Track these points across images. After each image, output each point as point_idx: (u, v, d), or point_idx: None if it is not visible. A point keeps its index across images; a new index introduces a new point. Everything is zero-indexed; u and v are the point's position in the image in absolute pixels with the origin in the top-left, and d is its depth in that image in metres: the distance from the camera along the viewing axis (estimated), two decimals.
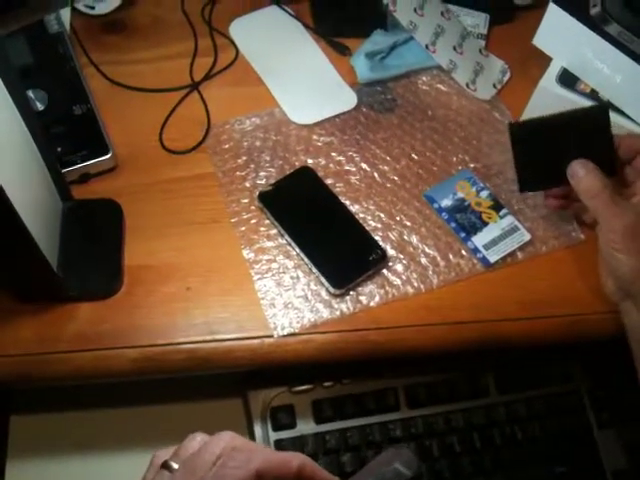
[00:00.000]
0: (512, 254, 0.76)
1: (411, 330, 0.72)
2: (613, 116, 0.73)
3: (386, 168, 0.81)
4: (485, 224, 0.77)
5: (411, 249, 0.76)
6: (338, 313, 0.71)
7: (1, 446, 0.77)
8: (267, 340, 0.70)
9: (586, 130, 0.70)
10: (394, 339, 0.72)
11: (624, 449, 0.82)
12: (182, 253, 0.74)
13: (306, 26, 0.91)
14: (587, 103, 0.77)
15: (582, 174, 0.69)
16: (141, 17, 0.92)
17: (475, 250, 0.75)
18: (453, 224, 0.77)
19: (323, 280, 0.72)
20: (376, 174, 0.80)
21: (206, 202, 0.78)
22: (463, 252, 0.76)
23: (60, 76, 0.81)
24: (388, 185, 0.80)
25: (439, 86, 0.87)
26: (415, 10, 0.84)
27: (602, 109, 0.71)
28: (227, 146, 0.81)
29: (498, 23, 0.93)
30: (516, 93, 0.86)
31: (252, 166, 0.80)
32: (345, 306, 0.72)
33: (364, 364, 0.76)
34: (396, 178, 0.80)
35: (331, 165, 0.80)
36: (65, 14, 0.87)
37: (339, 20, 0.92)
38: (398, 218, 0.77)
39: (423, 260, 0.75)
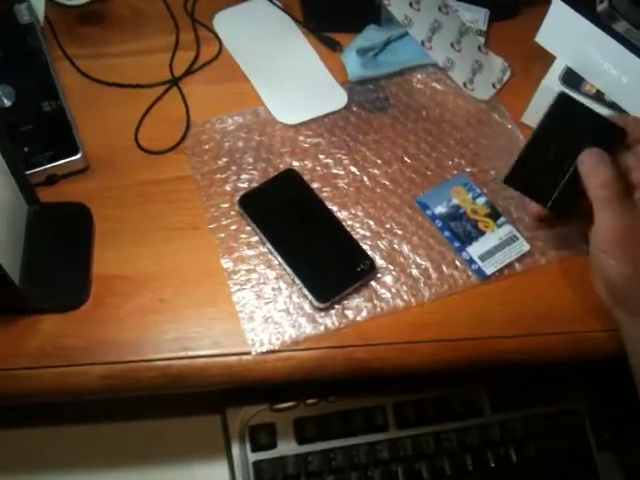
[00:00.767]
0: (510, 266, 0.71)
1: (401, 347, 0.67)
2: None
3: (377, 172, 0.76)
4: (481, 233, 0.72)
5: (402, 259, 0.71)
6: (322, 328, 0.67)
7: None
8: (245, 357, 0.66)
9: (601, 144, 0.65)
10: (382, 357, 0.67)
11: (625, 473, 0.77)
12: (156, 262, 0.70)
13: (295, 20, 0.86)
14: (592, 104, 0.72)
15: (594, 161, 0.63)
16: (120, 8, 0.87)
17: (470, 261, 0.70)
18: (447, 233, 0.72)
19: (306, 292, 0.67)
20: (366, 178, 0.75)
21: (183, 207, 0.73)
22: (457, 263, 0.71)
23: (30, 70, 0.76)
24: (378, 190, 0.75)
25: (435, 85, 0.82)
26: (411, 4, 0.79)
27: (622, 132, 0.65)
28: (207, 147, 0.76)
29: (498, 19, 0.88)
30: (517, 94, 0.81)
31: (233, 168, 0.75)
32: (330, 321, 0.67)
33: (351, 381, 0.71)
34: (387, 183, 0.75)
35: (318, 168, 0.76)
36: (39, 4, 0.82)
37: (330, 14, 0.86)
38: (388, 226, 0.73)
39: (414, 271, 0.70)
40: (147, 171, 0.75)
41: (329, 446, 0.75)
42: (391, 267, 0.70)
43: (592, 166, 0.63)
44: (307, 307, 0.68)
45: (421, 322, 0.68)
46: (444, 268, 0.71)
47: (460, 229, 0.72)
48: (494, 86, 0.82)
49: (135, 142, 0.76)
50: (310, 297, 0.67)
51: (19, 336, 0.65)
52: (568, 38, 0.75)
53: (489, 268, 0.70)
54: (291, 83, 0.81)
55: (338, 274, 0.69)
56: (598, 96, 0.75)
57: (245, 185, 0.74)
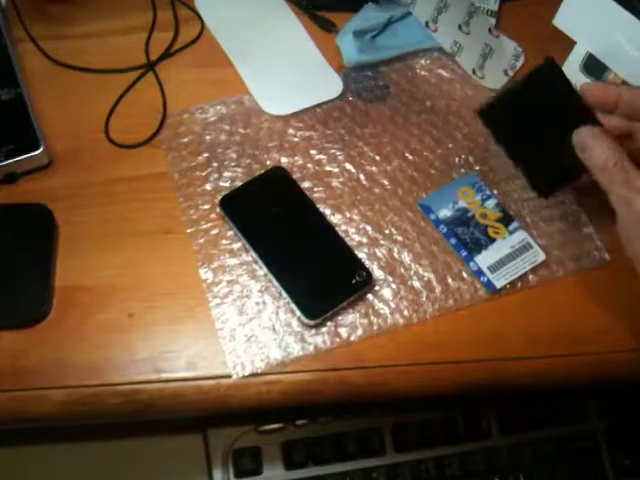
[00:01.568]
0: (523, 277, 0.64)
1: (400, 370, 0.61)
2: None
3: (375, 170, 0.68)
4: (491, 240, 0.64)
5: (402, 270, 0.63)
6: (312, 349, 0.60)
7: None
8: (224, 381, 0.59)
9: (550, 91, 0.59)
10: (380, 381, 0.61)
11: None
12: (125, 271, 0.63)
13: None
14: None
15: (590, 143, 0.56)
16: None
17: (479, 272, 0.63)
18: (453, 240, 0.64)
19: (295, 308, 0.60)
20: (362, 177, 0.68)
21: (158, 208, 0.66)
22: (464, 274, 0.64)
23: None
24: (377, 190, 0.67)
25: (440, 72, 0.74)
26: None
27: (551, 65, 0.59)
28: (185, 140, 0.68)
29: None
30: None
31: (215, 165, 0.67)
32: (321, 340, 0.60)
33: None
34: (386, 182, 0.68)
35: (309, 165, 0.68)
36: None
37: None
38: (387, 231, 0.65)
39: (416, 284, 0.63)
40: (118, 167, 0.68)
41: (320, 472, 0.71)
42: (390, 279, 0.63)
43: (591, 151, 0.57)
44: (295, 324, 0.61)
45: (423, 341, 0.61)
46: (449, 280, 0.63)
47: (467, 236, 0.64)
48: (506, 73, 0.75)
49: (105, 135, 0.69)
50: (299, 313, 0.60)
51: None
52: (590, 21, 0.69)
53: (499, 281, 0.63)
54: (280, 69, 0.73)
55: (330, 287, 0.62)
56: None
57: (227, 184, 0.67)
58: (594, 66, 0.69)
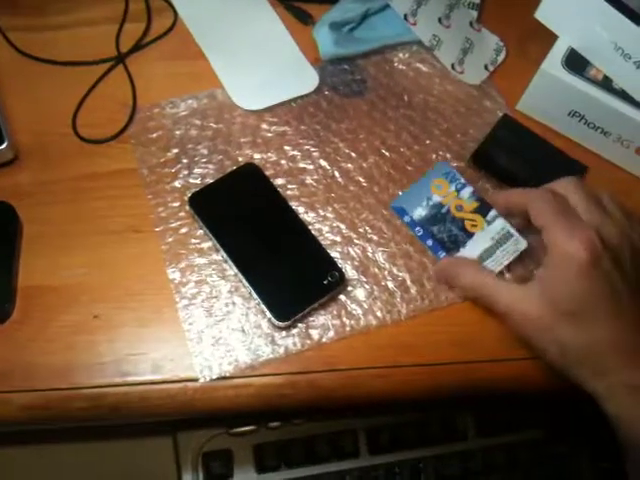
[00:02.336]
0: (498, 275, 0.62)
1: (373, 373, 0.59)
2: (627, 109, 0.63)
3: (350, 166, 0.66)
4: (469, 235, 0.62)
5: (376, 270, 0.62)
6: (282, 351, 0.58)
7: None
8: (191, 385, 0.57)
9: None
10: (352, 384, 0.59)
11: None
12: (91, 271, 0.61)
13: None
14: (597, 92, 0.64)
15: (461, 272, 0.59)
16: None
17: None
18: (429, 242, 0.62)
19: (265, 309, 0.58)
20: (337, 174, 0.66)
21: (125, 206, 0.64)
22: None
23: None
24: (352, 188, 0.65)
25: (419, 66, 0.72)
26: None
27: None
28: (155, 135, 0.66)
29: None
30: (512, 77, 0.72)
31: (185, 161, 0.65)
32: (291, 342, 0.59)
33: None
34: (362, 179, 0.66)
35: (283, 161, 0.66)
36: None
37: None
38: (362, 230, 0.63)
39: (390, 284, 0.61)
40: (85, 163, 0.66)
41: (293, 475, 0.69)
42: (363, 279, 0.61)
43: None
44: (265, 326, 0.59)
45: (397, 343, 0.60)
46: (425, 281, 0.62)
47: (444, 234, 0.62)
48: (487, 68, 0.72)
49: (72, 129, 0.67)
50: (269, 314, 0.58)
51: None
52: (572, 14, 0.66)
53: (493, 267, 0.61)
54: (254, 62, 0.71)
55: (302, 287, 0.60)
56: (606, 83, 0.66)
57: (198, 181, 0.65)
58: (576, 61, 0.67)
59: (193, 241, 0.62)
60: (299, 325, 0.59)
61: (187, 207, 0.63)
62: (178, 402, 0.57)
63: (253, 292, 0.59)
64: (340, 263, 0.62)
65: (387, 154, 0.68)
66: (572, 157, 0.67)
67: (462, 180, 0.64)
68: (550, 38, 0.68)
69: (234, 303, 0.60)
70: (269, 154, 0.67)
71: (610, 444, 0.69)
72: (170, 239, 0.62)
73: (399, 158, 0.67)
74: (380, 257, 0.63)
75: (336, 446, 0.69)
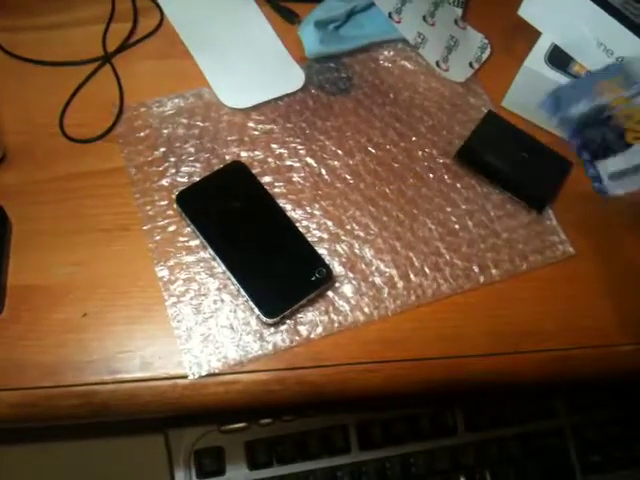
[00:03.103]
0: (485, 271, 0.62)
1: (361, 368, 0.60)
2: None
3: (337, 164, 0.67)
4: (627, 145, 0.56)
5: (363, 266, 0.62)
6: (271, 347, 0.59)
7: None
8: (180, 382, 0.58)
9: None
10: (339, 380, 0.59)
11: None
12: (80, 269, 0.61)
13: None
14: None
15: None
16: None
17: (596, 178, 0.57)
18: (577, 141, 0.57)
19: (253, 305, 0.59)
20: (324, 171, 0.66)
21: (114, 204, 0.64)
22: (426, 270, 0.62)
23: None
24: (338, 185, 0.66)
25: (404, 63, 0.73)
26: None
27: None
28: (142, 134, 0.67)
29: None
30: (497, 74, 0.72)
31: (172, 160, 0.66)
32: (280, 338, 0.59)
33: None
34: (348, 177, 0.66)
35: (270, 160, 0.66)
36: None
37: None
38: (349, 227, 0.64)
39: (377, 280, 0.62)
40: (73, 163, 0.66)
41: (284, 472, 0.70)
42: (351, 275, 0.62)
43: None
44: (254, 323, 0.60)
45: (385, 339, 0.60)
46: (411, 276, 0.62)
47: (598, 137, 0.57)
48: (471, 66, 0.73)
49: (60, 129, 0.67)
50: (257, 311, 0.59)
51: None
52: (555, 11, 0.67)
53: (617, 189, 0.56)
54: (241, 61, 0.71)
55: (290, 284, 0.60)
56: None
57: (185, 179, 0.65)
58: (559, 57, 0.67)
59: (181, 239, 0.62)
60: (287, 322, 0.60)
61: (175, 205, 0.63)
62: (167, 399, 0.58)
63: (241, 289, 0.59)
64: (327, 260, 0.62)
65: (373, 151, 0.68)
66: (557, 152, 0.67)
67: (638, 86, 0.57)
68: (535, 35, 0.69)
69: (222, 300, 0.60)
70: (256, 152, 0.67)
71: (599, 438, 0.70)
72: (158, 237, 0.62)
73: (385, 155, 0.68)
74: (367, 253, 0.63)
75: (327, 442, 0.69)
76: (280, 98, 0.70)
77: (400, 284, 0.62)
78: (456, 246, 0.64)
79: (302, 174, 0.66)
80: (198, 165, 0.66)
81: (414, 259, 0.63)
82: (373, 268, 0.63)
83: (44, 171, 0.65)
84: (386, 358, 0.60)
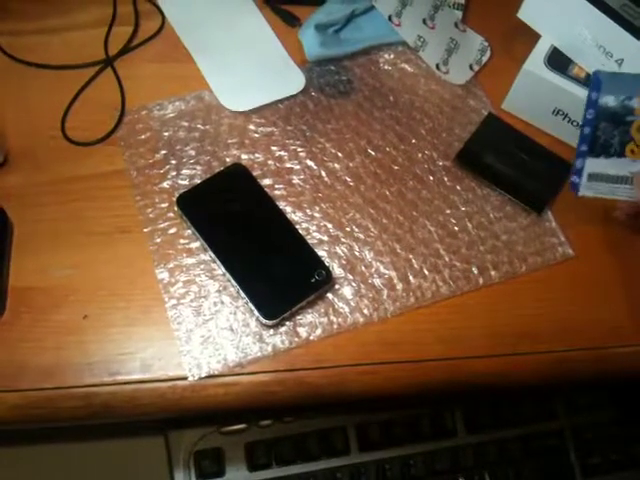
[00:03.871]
0: (484, 273, 0.63)
1: (361, 370, 0.60)
2: None
3: (337, 166, 0.67)
4: (621, 154, 0.58)
5: (363, 268, 0.62)
6: (270, 349, 0.59)
7: None
8: (180, 383, 0.58)
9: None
10: (339, 381, 0.60)
11: None
12: (80, 272, 0.61)
13: None
14: (580, 90, 0.64)
15: None
16: None
17: (577, 171, 0.60)
18: (587, 129, 0.59)
19: (253, 307, 0.59)
20: (324, 174, 0.66)
21: (115, 207, 0.64)
22: (425, 272, 0.62)
23: None
24: (338, 187, 0.66)
25: (404, 66, 0.73)
26: None
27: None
28: (143, 137, 0.67)
29: None
30: (497, 77, 0.73)
31: (173, 162, 0.66)
32: (279, 340, 0.59)
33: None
34: (348, 179, 0.66)
35: (270, 162, 0.67)
36: None
37: None
38: (349, 229, 0.64)
39: (377, 282, 0.62)
40: (74, 165, 0.66)
41: (284, 473, 0.70)
42: (350, 277, 0.62)
43: None
44: (253, 324, 0.60)
45: (384, 340, 0.60)
46: (411, 278, 0.62)
47: (606, 135, 0.58)
48: (471, 68, 0.73)
49: (61, 132, 0.67)
50: (257, 313, 0.59)
51: None
52: (555, 14, 0.67)
53: (587, 190, 0.59)
54: (241, 64, 0.72)
55: (289, 286, 0.60)
56: (588, 81, 0.66)
57: (186, 182, 0.66)
58: (558, 60, 0.67)
59: (181, 241, 0.63)
60: (287, 323, 0.60)
61: (175, 208, 0.63)
62: (167, 401, 0.58)
63: (241, 291, 0.60)
64: (327, 262, 0.62)
65: (373, 154, 0.68)
66: (557, 155, 0.68)
67: None
68: (534, 38, 0.69)
69: (222, 302, 0.60)
70: (256, 155, 0.67)
71: (598, 440, 0.70)
72: (158, 239, 0.63)
73: (385, 157, 0.68)
74: (367, 255, 0.63)
75: (327, 443, 0.69)
76: (281, 101, 0.70)
77: (399, 286, 0.62)
78: (455, 248, 0.64)
79: (302, 176, 0.67)
80: (199, 168, 0.66)
81: (413, 261, 0.63)
82: (373, 270, 0.63)
83: (46, 174, 0.65)
84: (385, 359, 0.60)
